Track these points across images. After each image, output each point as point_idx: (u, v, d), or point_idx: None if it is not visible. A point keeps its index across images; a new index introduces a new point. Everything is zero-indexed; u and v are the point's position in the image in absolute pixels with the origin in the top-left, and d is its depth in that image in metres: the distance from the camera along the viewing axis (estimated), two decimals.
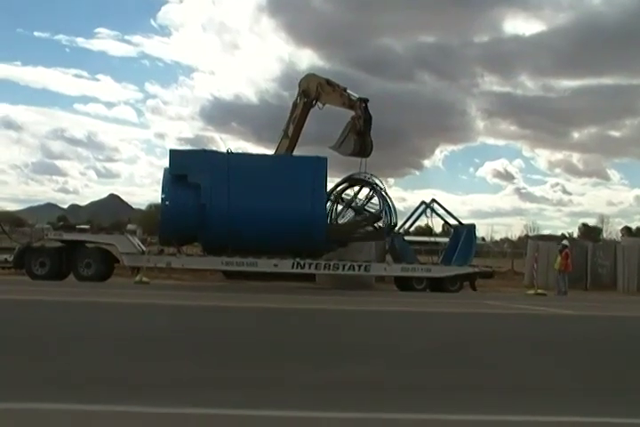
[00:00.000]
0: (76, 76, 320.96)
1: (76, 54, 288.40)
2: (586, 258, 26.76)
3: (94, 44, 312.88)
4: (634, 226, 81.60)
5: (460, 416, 4.01)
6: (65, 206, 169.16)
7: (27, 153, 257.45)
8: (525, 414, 4.09)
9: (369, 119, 19.50)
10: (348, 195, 20.88)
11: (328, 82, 20.35)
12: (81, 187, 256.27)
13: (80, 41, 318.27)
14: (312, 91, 20.40)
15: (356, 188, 20.85)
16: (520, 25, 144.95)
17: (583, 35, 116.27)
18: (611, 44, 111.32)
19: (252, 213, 18.30)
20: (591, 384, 5.44)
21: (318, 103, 20.52)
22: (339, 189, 20.81)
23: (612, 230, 76.69)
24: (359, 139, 19.59)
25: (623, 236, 62.62)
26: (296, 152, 21.12)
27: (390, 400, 4.40)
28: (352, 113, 19.70)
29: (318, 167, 19.20)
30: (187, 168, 18.62)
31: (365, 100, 19.57)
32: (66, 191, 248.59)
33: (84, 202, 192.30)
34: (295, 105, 21.08)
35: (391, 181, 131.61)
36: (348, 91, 20.06)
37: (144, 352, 6.05)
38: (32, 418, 3.62)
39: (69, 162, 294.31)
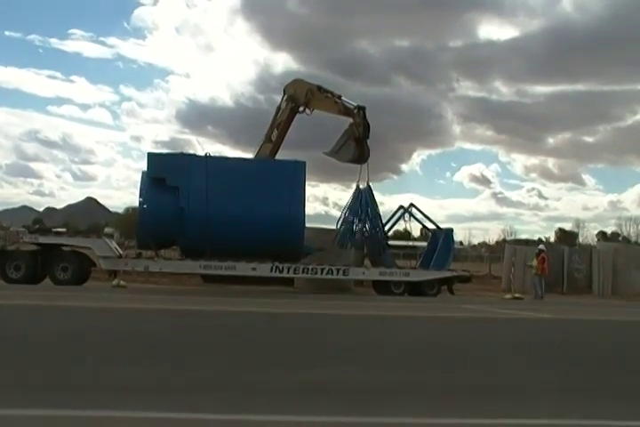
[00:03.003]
0: (50, 77, 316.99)
1: (50, 55, 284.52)
2: (562, 262, 27.03)
3: (68, 45, 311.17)
4: (609, 230, 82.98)
5: (449, 420, 4.04)
6: (40, 209, 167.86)
7: (0, 155, 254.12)
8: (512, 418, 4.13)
9: (367, 126, 19.69)
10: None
11: (320, 88, 20.37)
12: (57, 189, 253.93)
13: (54, 42, 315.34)
14: (300, 96, 20.38)
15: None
16: (494, 30, 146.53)
17: (556, 41, 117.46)
18: (583, 50, 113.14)
19: (231, 216, 18.24)
20: (566, 384, 5.51)
21: (307, 109, 20.54)
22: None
23: (588, 235, 78.02)
24: (357, 146, 19.80)
25: (598, 240, 63.53)
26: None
27: (374, 404, 4.41)
28: (349, 120, 19.89)
29: (297, 171, 19.22)
30: (165, 171, 18.53)
31: (363, 108, 19.78)
32: (41, 194, 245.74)
33: (60, 205, 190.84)
34: (279, 110, 21.03)
35: None
36: (342, 98, 20.15)
37: (121, 356, 6.00)
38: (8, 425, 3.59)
39: (44, 164, 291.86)
